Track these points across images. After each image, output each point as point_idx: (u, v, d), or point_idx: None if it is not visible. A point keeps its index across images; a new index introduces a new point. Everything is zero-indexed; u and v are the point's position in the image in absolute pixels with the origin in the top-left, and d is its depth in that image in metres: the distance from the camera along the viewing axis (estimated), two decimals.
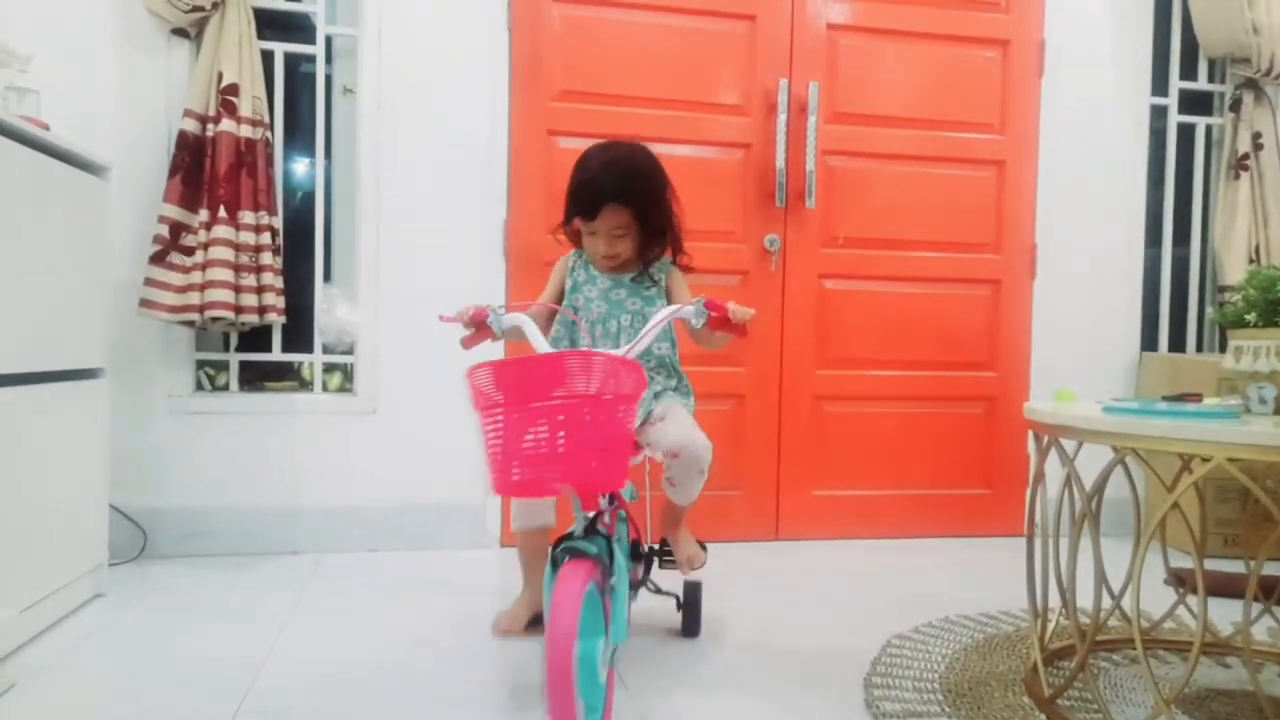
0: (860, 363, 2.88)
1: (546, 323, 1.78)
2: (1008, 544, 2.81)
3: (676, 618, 1.94)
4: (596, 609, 1.31)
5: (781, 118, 2.72)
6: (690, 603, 1.90)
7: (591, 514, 1.41)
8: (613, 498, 1.54)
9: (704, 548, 1.92)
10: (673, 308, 1.57)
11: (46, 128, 1.82)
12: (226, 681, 1.60)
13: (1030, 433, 1.68)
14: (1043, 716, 1.50)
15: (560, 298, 1.84)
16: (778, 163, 2.72)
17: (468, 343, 1.64)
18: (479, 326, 1.61)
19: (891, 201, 2.87)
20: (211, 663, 1.70)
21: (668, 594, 1.92)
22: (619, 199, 1.69)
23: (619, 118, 2.66)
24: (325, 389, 2.65)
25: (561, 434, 1.24)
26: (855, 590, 2.30)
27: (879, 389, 2.89)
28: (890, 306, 2.88)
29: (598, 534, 1.37)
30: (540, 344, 1.55)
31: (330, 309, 2.61)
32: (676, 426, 1.71)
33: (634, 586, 1.73)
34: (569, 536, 1.36)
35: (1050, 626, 1.62)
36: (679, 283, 1.84)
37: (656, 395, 1.81)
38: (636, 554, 1.78)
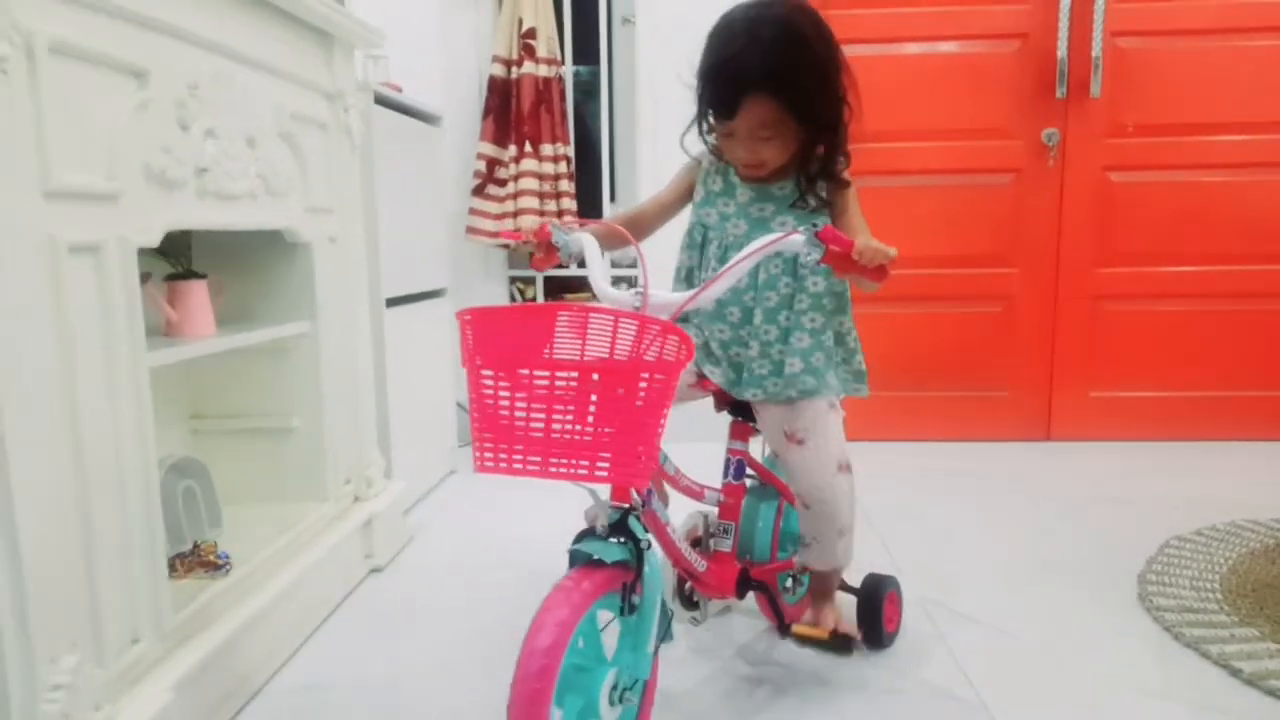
0: (1148, 258, 2.73)
1: (614, 242, 1.37)
2: None
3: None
4: (594, 634, 1.02)
5: (1064, 1, 2.58)
6: (870, 604, 1.43)
7: (622, 508, 1.06)
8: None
9: (848, 644, 1.40)
10: (770, 237, 1.12)
11: (399, 89, 2.19)
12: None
13: None
14: None
15: (678, 203, 1.44)
16: (1059, 50, 2.60)
17: (536, 265, 1.34)
18: (545, 246, 1.29)
19: (1191, 82, 2.64)
20: (557, 522, 2.09)
21: (848, 589, 1.48)
22: (765, 86, 1.20)
23: (884, 19, 2.66)
24: None
25: (592, 411, 0.95)
26: (1133, 491, 2.29)
27: (1170, 286, 2.74)
28: (1187, 197, 2.69)
29: (628, 534, 1.04)
30: (596, 272, 1.22)
31: None
32: (816, 463, 1.31)
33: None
34: (590, 533, 1.06)
35: None
36: (851, 205, 1.32)
37: (802, 391, 1.31)
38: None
